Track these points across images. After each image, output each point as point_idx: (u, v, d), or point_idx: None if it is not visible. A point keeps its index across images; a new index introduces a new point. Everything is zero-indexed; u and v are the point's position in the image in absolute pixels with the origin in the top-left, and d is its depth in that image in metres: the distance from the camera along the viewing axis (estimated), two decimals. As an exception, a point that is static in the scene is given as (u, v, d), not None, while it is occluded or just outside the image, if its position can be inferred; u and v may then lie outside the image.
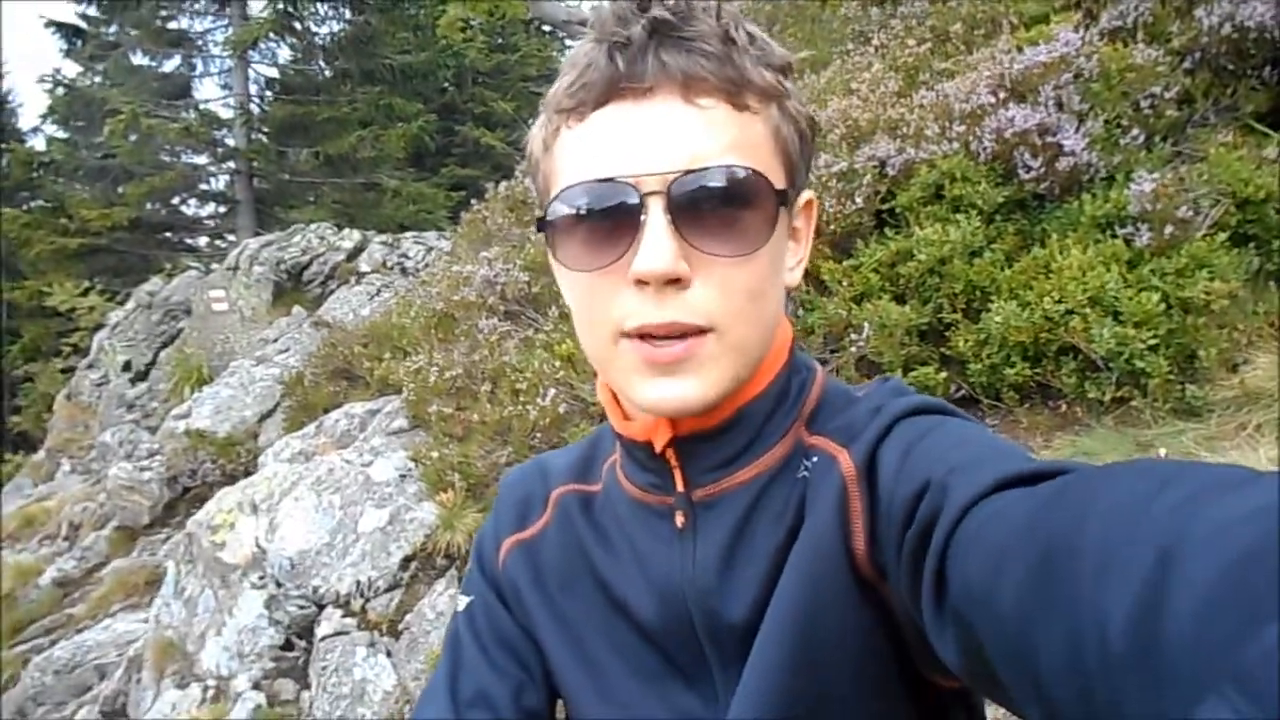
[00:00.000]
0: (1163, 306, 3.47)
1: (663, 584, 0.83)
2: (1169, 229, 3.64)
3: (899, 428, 0.75)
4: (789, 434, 0.83)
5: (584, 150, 0.74)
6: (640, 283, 0.71)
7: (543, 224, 0.77)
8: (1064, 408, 3.70)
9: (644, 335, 0.72)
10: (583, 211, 0.73)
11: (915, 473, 0.68)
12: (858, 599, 0.73)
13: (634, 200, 0.70)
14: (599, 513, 0.92)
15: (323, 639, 4.24)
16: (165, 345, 12.23)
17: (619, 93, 0.72)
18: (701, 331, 0.72)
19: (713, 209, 0.71)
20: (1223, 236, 3.63)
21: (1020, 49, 4.78)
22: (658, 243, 0.69)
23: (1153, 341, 3.44)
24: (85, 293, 18.31)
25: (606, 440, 0.96)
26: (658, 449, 0.82)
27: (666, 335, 0.71)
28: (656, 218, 0.70)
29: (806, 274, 4.38)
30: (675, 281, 0.70)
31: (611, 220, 0.72)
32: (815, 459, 0.79)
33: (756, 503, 0.81)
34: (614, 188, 0.71)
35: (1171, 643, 0.38)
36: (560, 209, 0.75)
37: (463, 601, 1.00)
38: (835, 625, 0.73)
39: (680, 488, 0.83)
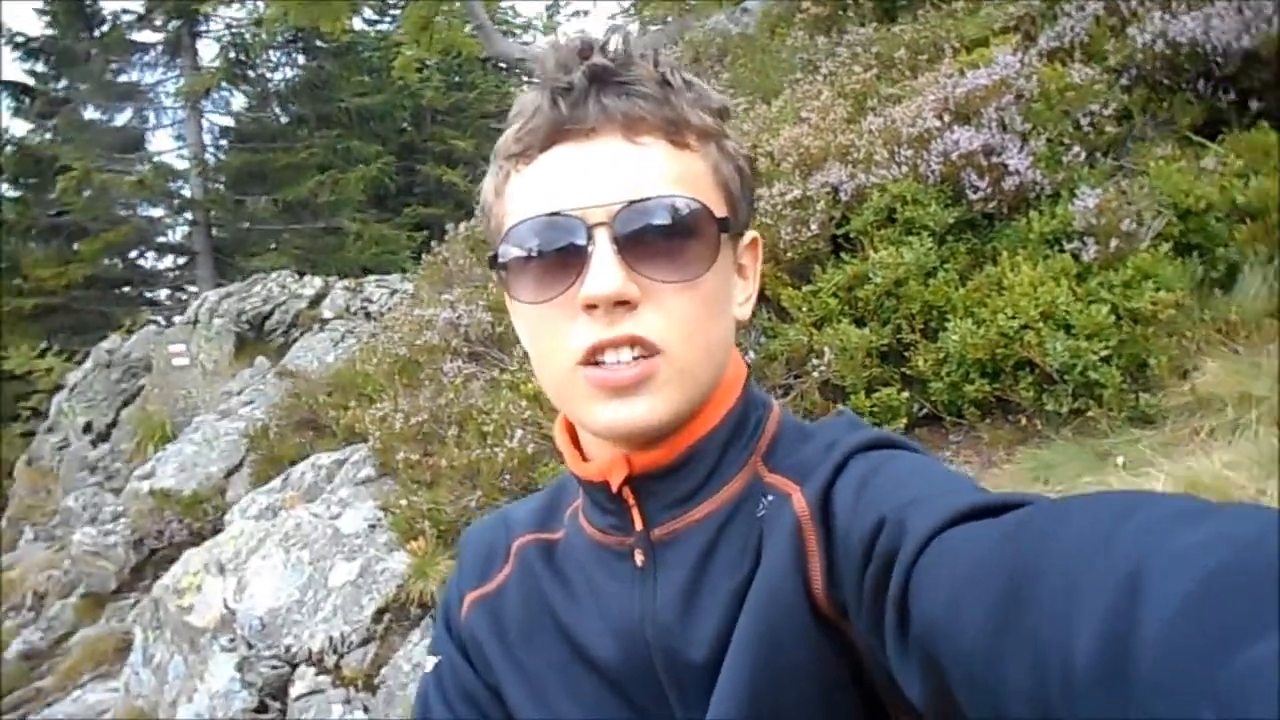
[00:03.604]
0: (1112, 318, 3.54)
1: (623, 625, 0.83)
2: (1114, 242, 3.72)
3: (852, 464, 0.76)
4: (745, 469, 0.83)
5: (532, 190, 0.77)
6: (590, 308, 0.73)
7: (495, 262, 0.80)
8: (1024, 421, 3.75)
9: (597, 361, 0.74)
10: (532, 247, 0.76)
11: (870, 509, 0.69)
12: (817, 638, 0.74)
13: (581, 232, 0.73)
14: (561, 559, 0.92)
15: (297, 699, 4.15)
16: (126, 404, 12.00)
17: (563, 135, 0.75)
18: (651, 353, 0.74)
19: (657, 238, 0.73)
20: (1166, 247, 3.72)
21: (963, 72, 4.89)
22: (605, 268, 0.72)
23: (1105, 353, 3.50)
24: (42, 354, 17.93)
25: (569, 487, 0.96)
26: (614, 487, 0.82)
27: (616, 346, 0.73)
28: (603, 247, 0.72)
29: (767, 301, 4.45)
30: (624, 305, 0.73)
31: (560, 252, 0.74)
32: (771, 497, 0.80)
33: (716, 540, 0.81)
34: (561, 221, 0.74)
35: (1141, 666, 0.38)
36: (511, 244, 0.77)
37: (430, 662, 1.00)
38: (794, 665, 0.74)
39: (639, 526, 0.84)
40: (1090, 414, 3.56)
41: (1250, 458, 3.09)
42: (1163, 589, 0.40)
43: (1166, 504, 0.48)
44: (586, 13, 24.82)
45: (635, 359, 0.73)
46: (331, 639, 4.25)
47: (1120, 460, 3.37)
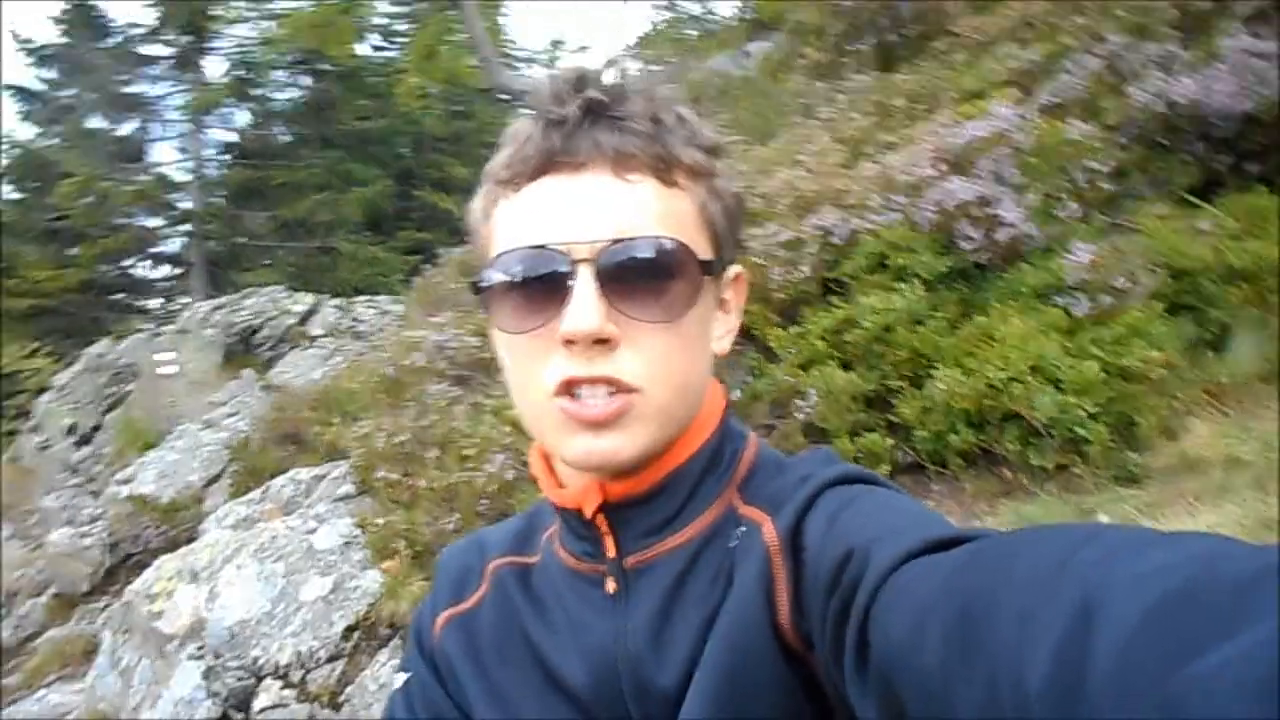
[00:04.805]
0: (1102, 375, 3.54)
1: (594, 652, 0.83)
2: (1106, 299, 3.74)
3: (824, 497, 0.76)
4: (720, 500, 0.83)
5: (518, 219, 0.77)
6: (569, 343, 0.73)
7: (478, 288, 0.80)
8: (1008, 474, 3.74)
9: (571, 393, 0.74)
10: (516, 277, 0.75)
11: (839, 541, 0.69)
12: (782, 669, 0.73)
13: (564, 266, 0.73)
14: (536, 584, 0.92)
15: (260, 712, 4.10)
16: (112, 408, 11.99)
17: (553, 166, 0.75)
18: (627, 390, 0.73)
19: (639, 277, 0.74)
20: (1159, 306, 3.73)
21: (960, 123, 4.93)
22: (586, 305, 0.72)
23: (1093, 409, 3.50)
24: (32, 354, 17.95)
25: (545, 513, 0.96)
26: (588, 515, 0.82)
27: (592, 384, 0.73)
28: (585, 283, 0.72)
29: (755, 340, 4.45)
30: (603, 343, 0.73)
31: (543, 285, 0.74)
32: (744, 528, 0.80)
33: (688, 570, 0.81)
34: (546, 255, 0.74)
35: (1094, 684, 0.39)
36: (494, 274, 0.77)
37: (400, 679, 0.99)
38: (758, 695, 0.73)
39: (612, 554, 0.83)
40: (1076, 470, 3.56)
41: (1237, 521, 3.08)
42: (1115, 612, 0.41)
43: (1119, 533, 0.48)
44: (589, 48, 25.17)
45: (610, 395, 0.74)
46: (299, 654, 4.21)
47: (1104, 518, 3.35)
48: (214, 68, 22.82)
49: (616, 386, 0.73)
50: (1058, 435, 3.56)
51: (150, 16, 22.07)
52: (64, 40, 22.23)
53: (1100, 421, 3.51)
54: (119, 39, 22.47)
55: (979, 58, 6.08)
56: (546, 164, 0.75)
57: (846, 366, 4.16)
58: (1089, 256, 3.82)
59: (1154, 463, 3.52)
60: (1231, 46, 4.41)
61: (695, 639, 0.77)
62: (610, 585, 0.83)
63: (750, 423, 4.01)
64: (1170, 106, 4.40)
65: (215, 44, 22.45)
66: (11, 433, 14.90)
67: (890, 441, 3.90)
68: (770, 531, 0.76)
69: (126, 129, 23.05)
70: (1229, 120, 4.28)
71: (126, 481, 8.79)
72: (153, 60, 22.73)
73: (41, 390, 14.19)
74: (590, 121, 0.75)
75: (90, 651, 6.24)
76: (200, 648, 4.48)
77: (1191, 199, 4.29)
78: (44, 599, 8.04)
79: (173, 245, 22.91)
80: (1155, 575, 0.41)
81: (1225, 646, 0.35)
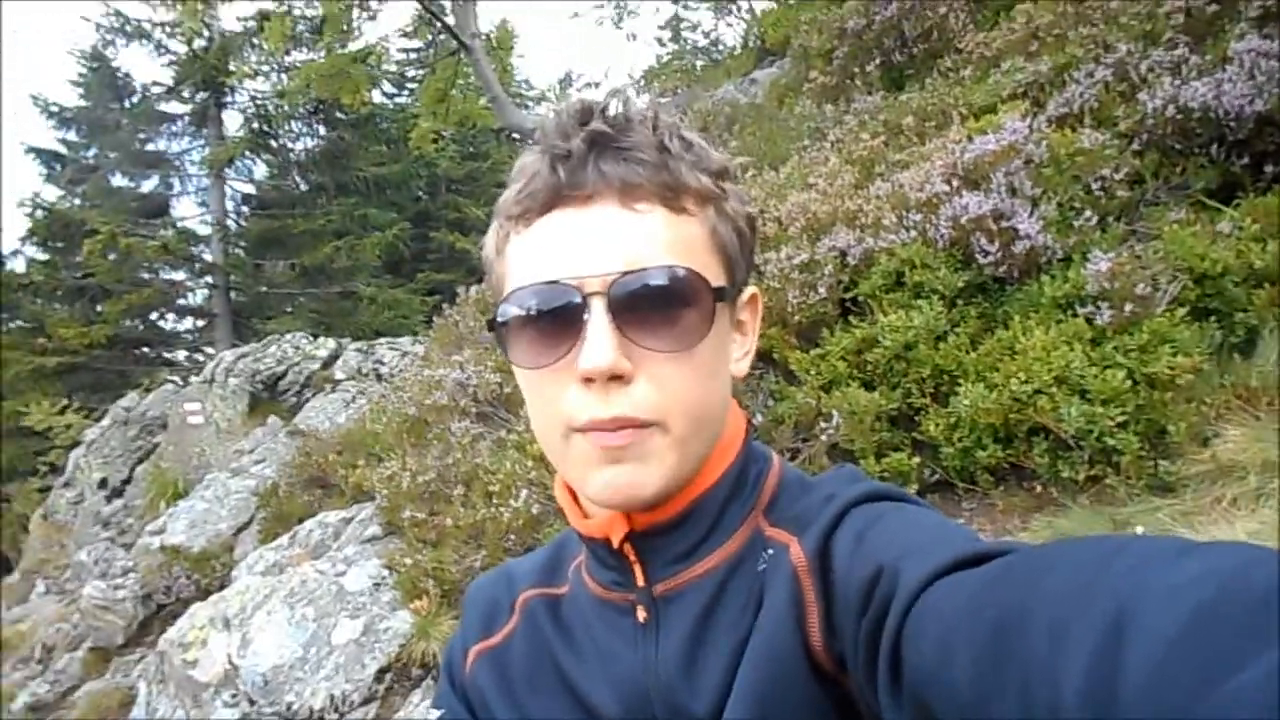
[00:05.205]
0: (1129, 383, 3.49)
1: (626, 681, 0.83)
2: (1129, 306, 3.69)
3: (851, 515, 0.76)
4: (746, 524, 0.83)
5: (530, 254, 0.77)
6: (586, 379, 0.72)
7: (493, 325, 0.80)
8: (1039, 489, 3.69)
9: (593, 429, 0.73)
10: (530, 313, 0.76)
11: (868, 559, 0.69)
12: (815, 690, 0.72)
13: (577, 301, 0.73)
14: (565, 615, 0.92)
15: (296, 758, 4.09)
16: (141, 460, 12.11)
17: (561, 200, 0.76)
18: (647, 425, 0.73)
19: (652, 307, 0.73)
20: (1183, 311, 3.67)
21: (970, 138, 4.93)
22: (600, 340, 0.72)
23: (1121, 418, 3.45)
24: (62, 411, 18.20)
25: (573, 542, 0.96)
26: (615, 544, 0.82)
27: (615, 430, 0.73)
28: (599, 317, 0.72)
29: (775, 364, 4.44)
30: (619, 377, 0.72)
31: (556, 320, 0.74)
32: (771, 551, 0.80)
33: (718, 595, 0.81)
34: (558, 289, 0.74)
35: (1129, 699, 0.39)
36: (509, 310, 0.77)
37: (433, 716, 0.99)
38: (793, 718, 0.73)
39: (641, 583, 0.83)
40: (1108, 481, 3.50)
41: (1274, 526, 3.03)
42: (1148, 627, 0.41)
43: (1149, 545, 0.48)
44: (598, 84, 25.43)
45: (629, 431, 0.73)
46: (333, 697, 4.21)
47: (1140, 529, 3.30)
48: (231, 122, 23.35)
49: (634, 426, 0.73)
50: (1087, 446, 3.51)
51: (168, 75, 22.64)
52: (84, 102, 22.78)
53: (1130, 431, 3.46)
54: (138, 98, 22.99)
55: (987, 73, 6.10)
56: (555, 198, 0.76)
57: (869, 386, 4.13)
58: (1108, 265, 3.78)
59: (1187, 470, 3.46)
60: (1241, 48, 4.39)
61: (728, 665, 0.77)
62: (641, 614, 0.83)
63: (775, 447, 4.00)
64: (1183, 111, 4.37)
65: (232, 99, 22.93)
66: (45, 489, 15.08)
67: (917, 460, 3.87)
68: (798, 552, 0.76)
69: (148, 186, 23.56)
70: (1243, 122, 4.25)
71: (158, 532, 8.87)
72: (171, 118, 23.27)
73: (73, 445, 14.37)
74: (596, 153, 0.75)
75: (127, 704, 6.27)
76: (235, 695, 4.48)
77: (1210, 202, 4.25)
78: (80, 653, 8.10)
79: (196, 297, 23.26)
80: (1188, 586, 0.41)
81: (1260, 662, 0.35)
